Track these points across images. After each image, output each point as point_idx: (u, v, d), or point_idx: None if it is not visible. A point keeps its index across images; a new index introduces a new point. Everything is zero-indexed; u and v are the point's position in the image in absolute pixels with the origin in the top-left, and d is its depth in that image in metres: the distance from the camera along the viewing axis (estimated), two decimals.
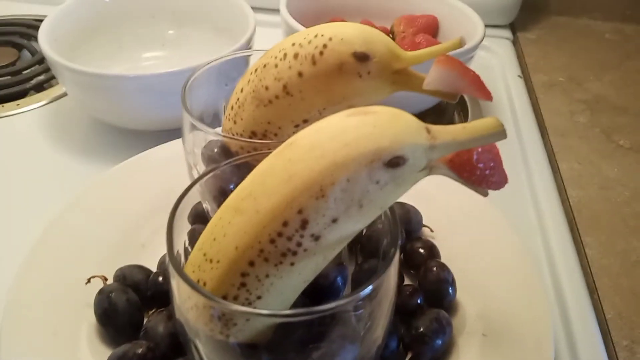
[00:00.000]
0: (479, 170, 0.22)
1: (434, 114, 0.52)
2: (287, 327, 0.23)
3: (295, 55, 0.26)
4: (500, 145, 0.51)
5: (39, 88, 0.54)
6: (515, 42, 0.67)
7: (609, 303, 0.36)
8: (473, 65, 0.57)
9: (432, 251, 0.34)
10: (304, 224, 0.20)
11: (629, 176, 0.47)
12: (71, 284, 0.32)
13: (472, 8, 0.52)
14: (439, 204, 0.38)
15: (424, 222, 0.37)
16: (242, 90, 0.29)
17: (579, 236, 0.41)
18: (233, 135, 0.30)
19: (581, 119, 0.54)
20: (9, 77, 0.55)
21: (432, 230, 0.37)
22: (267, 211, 0.20)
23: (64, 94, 0.53)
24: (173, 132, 0.42)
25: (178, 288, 0.22)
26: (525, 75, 0.60)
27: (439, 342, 0.29)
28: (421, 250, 0.34)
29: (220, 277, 0.21)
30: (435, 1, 0.54)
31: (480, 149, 0.22)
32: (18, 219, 0.40)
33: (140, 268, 0.32)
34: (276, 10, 0.50)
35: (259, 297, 0.22)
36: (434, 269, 0.32)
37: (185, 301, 0.22)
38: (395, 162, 0.20)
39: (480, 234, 0.36)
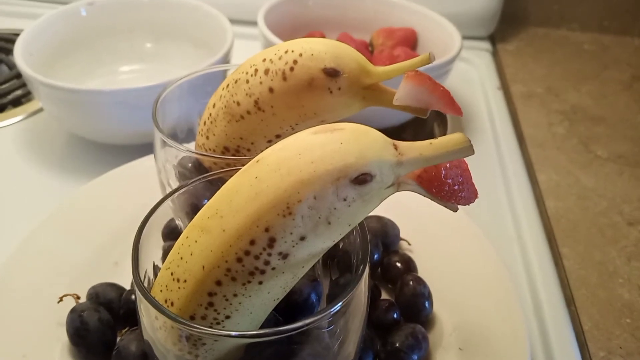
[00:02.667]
0: (447, 186, 0.22)
1: (413, 126, 0.52)
2: (258, 346, 0.22)
3: (266, 71, 0.26)
4: (478, 156, 0.52)
5: (17, 102, 0.54)
6: (494, 54, 0.67)
7: (586, 314, 0.36)
8: (453, 77, 0.57)
9: (409, 265, 0.34)
10: (272, 242, 0.20)
11: (606, 186, 0.47)
12: (43, 303, 0.31)
13: (451, 20, 0.53)
14: (417, 217, 0.38)
15: (402, 235, 0.37)
16: (214, 106, 0.29)
17: (557, 247, 0.41)
18: (206, 150, 0.30)
19: (559, 129, 0.54)
20: None
21: (409, 244, 0.37)
22: (233, 230, 0.20)
23: (42, 109, 0.52)
24: (149, 147, 0.42)
25: (146, 308, 0.21)
26: (504, 87, 0.61)
27: (415, 357, 0.29)
28: (398, 264, 0.34)
29: (188, 297, 0.21)
30: (414, 14, 0.54)
31: (448, 165, 0.22)
32: None
33: (113, 286, 0.32)
34: (254, 23, 0.50)
35: (227, 317, 0.21)
36: (411, 283, 0.32)
37: (153, 321, 0.22)
38: (362, 179, 0.20)
39: (457, 248, 0.36)
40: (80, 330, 0.29)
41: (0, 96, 0.54)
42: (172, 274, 0.22)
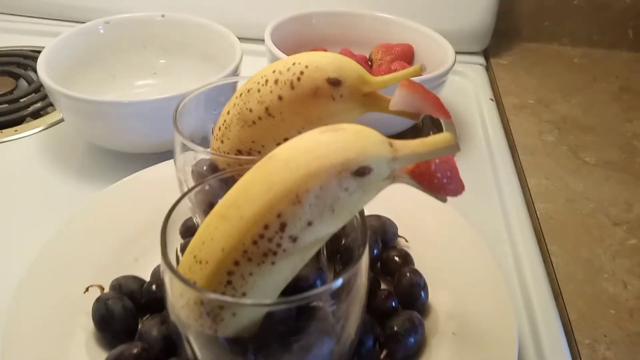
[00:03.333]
0: (437, 179, 0.25)
1: (411, 134, 0.56)
2: (270, 322, 0.25)
3: (276, 81, 0.29)
4: (472, 162, 0.55)
5: (36, 115, 0.57)
6: (487, 68, 0.71)
7: (573, 306, 0.39)
8: (448, 89, 0.61)
9: (407, 259, 0.37)
10: (283, 226, 0.23)
11: (594, 190, 0.50)
12: (69, 295, 0.34)
13: (446, 36, 0.56)
14: (414, 217, 0.41)
15: (400, 233, 0.40)
16: (228, 113, 0.32)
17: (545, 245, 0.44)
18: (221, 159, 0.33)
19: (549, 138, 0.57)
20: (6, 105, 0.58)
21: (407, 241, 0.40)
22: (249, 216, 0.23)
23: (60, 121, 0.55)
24: (164, 155, 0.45)
25: (171, 287, 0.24)
26: (497, 98, 0.64)
27: (412, 340, 0.31)
28: (396, 258, 0.37)
29: (209, 277, 0.24)
30: (411, 31, 0.58)
31: (438, 161, 0.25)
32: (17, 237, 0.42)
33: (135, 278, 0.34)
34: (261, 40, 0.54)
35: (243, 294, 0.24)
36: (408, 274, 0.35)
37: (178, 300, 0.25)
38: (361, 172, 0.23)
39: (451, 244, 0.39)
40: (105, 317, 0.31)
41: (19, 109, 0.57)
42: (194, 257, 0.24)
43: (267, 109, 0.30)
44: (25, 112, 0.57)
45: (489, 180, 0.51)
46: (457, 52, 0.67)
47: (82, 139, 0.52)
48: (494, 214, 0.47)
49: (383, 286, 0.36)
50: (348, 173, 0.23)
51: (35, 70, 0.63)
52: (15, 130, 0.54)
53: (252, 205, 0.23)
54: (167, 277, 0.24)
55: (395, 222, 0.40)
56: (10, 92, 0.60)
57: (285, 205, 0.23)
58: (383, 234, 0.38)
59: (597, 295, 0.40)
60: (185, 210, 0.29)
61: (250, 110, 0.30)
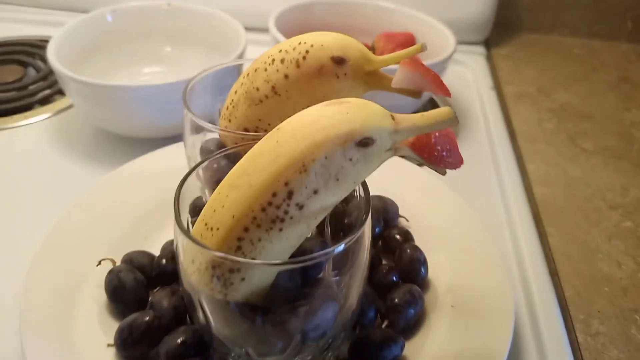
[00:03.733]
0: (436, 152, 0.26)
1: None
2: (278, 289, 0.26)
3: (282, 60, 0.30)
4: (473, 150, 0.57)
5: (44, 102, 0.58)
6: (488, 58, 0.72)
7: (568, 284, 0.40)
8: (449, 78, 0.62)
9: (407, 236, 0.38)
10: (290, 194, 0.24)
11: (592, 176, 0.51)
12: (82, 269, 0.35)
13: (448, 26, 0.57)
14: (415, 198, 0.42)
15: (401, 213, 0.41)
16: (235, 92, 0.33)
17: (543, 227, 0.45)
18: (228, 138, 0.34)
19: (549, 125, 0.58)
20: (15, 92, 0.59)
21: (407, 220, 0.41)
22: (258, 185, 0.24)
23: (68, 107, 0.57)
24: (171, 140, 0.46)
25: (184, 253, 0.26)
26: (497, 87, 0.65)
27: (412, 311, 0.33)
28: (397, 236, 0.38)
29: (219, 243, 0.25)
30: (412, 19, 0.59)
31: (437, 134, 0.26)
32: (28, 218, 0.43)
33: (145, 253, 0.36)
34: (265, 30, 0.55)
35: (252, 259, 0.25)
36: (408, 250, 0.36)
37: (190, 266, 0.26)
38: (364, 142, 0.24)
39: (451, 224, 0.40)
40: (117, 288, 0.33)
41: (28, 96, 0.58)
42: (206, 224, 0.26)
43: (273, 87, 0.31)
44: (33, 99, 0.58)
45: (489, 165, 0.52)
46: (458, 43, 0.68)
47: (90, 124, 0.54)
48: (493, 199, 0.48)
49: (384, 263, 0.37)
50: (352, 143, 0.24)
51: (42, 59, 0.64)
52: (25, 116, 0.55)
53: (261, 174, 0.24)
54: (180, 242, 0.25)
55: (397, 204, 0.41)
56: (19, 79, 0.61)
57: (292, 174, 0.24)
58: (385, 214, 0.39)
59: (592, 274, 0.41)
60: (194, 190, 0.30)
61: (257, 89, 0.32)
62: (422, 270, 0.35)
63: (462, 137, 0.56)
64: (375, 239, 0.38)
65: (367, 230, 0.26)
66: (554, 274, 0.41)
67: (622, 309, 0.39)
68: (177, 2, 0.59)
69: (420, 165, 0.46)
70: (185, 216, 0.30)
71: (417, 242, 0.38)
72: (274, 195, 0.24)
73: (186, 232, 0.24)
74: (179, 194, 0.26)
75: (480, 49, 0.72)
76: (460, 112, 0.60)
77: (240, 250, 0.25)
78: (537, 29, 0.78)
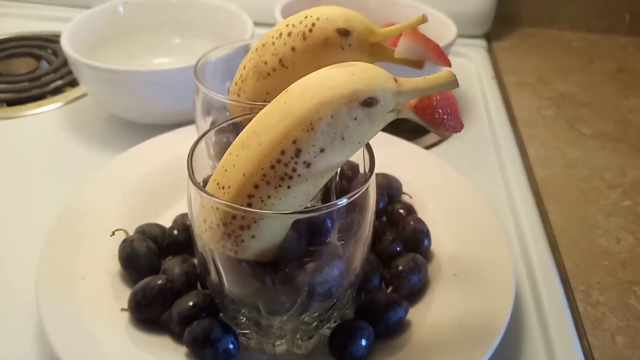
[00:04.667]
0: (437, 114, 0.27)
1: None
2: (286, 249, 0.27)
3: (289, 34, 0.32)
4: (475, 136, 0.58)
5: (56, 92, 0.60)
6: (489, 50, 0.73)
7: (568, 257, 0.41)
8: (453, 70, 0.63)
9: (410, 210, 0.39)
10: (298, 152, 0.25)
11: (590, 157, 0.52)
12: (96, 239, 0.36)
13: (450, 19, 0.58)
14: (418, 176, 0.43)
15: (404, 190, 0.42)
16: (244, 68, 0.35)
17: (543, 205, 0.46)
18: (237, 109, 0.36)
19: (548, 112, 0.60)
20: (27, 83, 0.60)
21: (411, 197, 0.42)
22: (268, 143, 0.25)
23: (79, 97, 0.58)
24: (183, 125, 0.48)
25: (196, 212, 0.27)
26: (499, 77, 0.66)
27: (415, 278, 0.34)
28: (401, 211, 0.39)
29: (231, 200, 0.26)
30: (415, 10, 0.60)
31: (439, 97, 0.27)
32: (43, 198, 0.45)
33: (157, 225, 0.37)
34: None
35: (262, 218, 0.26)
36: (411, 222, 0.37)
37: (202, 225, 0.27)
38: (369, 102, 0.25)
39: (454, 200, 0.41)
40: (131, 256, 0.34)
41: (41, 86, 0.60)
42: (217, 183, 0.27)
43: (280, 60, 0.32)
44: (46, 89, 0.60)
45: (490, 150, 0.53)
46: (460, 36, 0.69)
47: (102, 110, 0.55)
48: (495, 180, 0.49)
49: (388, 234, 0.39)
50: (357, 103, 0.25)
51: (55, 53, 0.66)
52: (38, 105, 0.57)
53: (270, 133, 0.25)
54: (193, 199, 0.26)
55: (401, 181, 0.42)
56: (33, 71, 0.63)
57: (300, 132, 0.25)
58: (388, 189, 0.41)
59: (592, 248, 0.42)
60: (206, 168, 0.32)
61: (265, 63, 0.33)
62: (425, 241, 0.36)
63: (464, 124, 0.57)
64: (379, 213, 0.40)
65: (371, 190, 0.28)
66: (554, 248, 0.42)
67: (622, 280, 0.40)
68: None
69: (427, 130, 0.48)
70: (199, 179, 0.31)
71: (420, 216, 0.39)
72: (283, 153, 0.25)
73: (199, 185, 0.25)
74: (192, 153, 0.27)
75: (482, 42, 0.74)
76: (462, 101, 0.61)
77: (250, 207, 0.26)
78: (536, 23, 0.80)
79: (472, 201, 0.41)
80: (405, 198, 0.42)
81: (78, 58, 0.48)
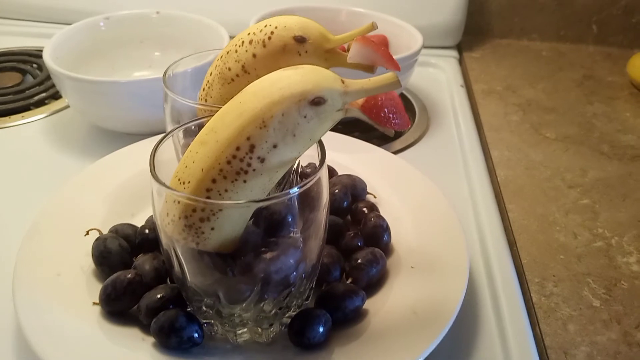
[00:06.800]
0: (383, 113, 0.29)
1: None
2: (247, 239, 0.29)
3: (250, 42, 0.34)
4: (441, 140, 0.60)
5: (40, 104, 0.62)
6: (460, 61, 0.76)
7: (525, 252, 0.43)
8: (422, 79, 0.66)
9: (373, 208, 0.41)
10: (252, 148, 0.27)
11: (552, 159, 0.55)
12: (72, 239, 0.38)
13: (422, 31, 0.61)
14: (383, 177, 0.45)
15: (369, 191, 0.44)
16: (210, 74, 0.37)
17: (504, 204, 0.48)
18: (205, 113, 0.38)
19: (514, 117, 0.62)
20: (12, 95, 0.63)
21: (375, 197, 0.44)
22: (224, 139, 0.27)
23: (62, 108, 0.60)
24: (158, 135, 0.49)
25: (159, 206, 0.29)
26: (468, 85, 0.69)
27: (374, 270, 0.36)
28: (364, 209, 0.41)
29: (190, 194, 0.28)
30: (384, 22, 0.63)
31: (384, 97, 0.30)
32: (23, 207, 0.46)
33: (130, 225, 0.39)
34: None
35: (220, 210, 0.28)
36: (372, 218, 0.39)
37: (165, 218, 0.29)
38: (317, 101, 0.27)
39: (416, 200, 0.43)
40: (103, 253, 0.36)
41: (25, 98, 0.62)
42: (179, 179, 0.29)
43: (243, 66, 0.34)
44: (30, 101, 0.62)
45: (457, 153, 0.56)
46: (432, 47, 0.72)
47: (84, 121, 0.57)
48: (459, 181, 0.51)
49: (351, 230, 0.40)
50: (306, 102, 0.27)
51: (39, 68, 0.68)
52: (23, 116, 0.59)
53: (226, 130, 0.28)
54: (156, 193, 0.28)
55: (366, 182, 0.44)
56: (17, 84, 0.65)
57: (253, 129, 0.27)
58: (353, 189, 0.43)
59: (549, 243, 0.44)
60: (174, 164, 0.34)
61: (229, 69, 0.35)
62: (385, 236, 0.38)
63: (432, 130, 0.60)
64: (344, 211, 0.42)
65: (323, 182, 0.30)
66: (512, 244, 0.44)
67: (576, 272, 0.42)
68: (165, 11, 0.64)
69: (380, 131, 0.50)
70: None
71: (383, 214, 0.41)
72: (238, 149, 0.27)
73: (160, 181, 0.27)
74: (155, 152, 0.29)
75: (453, 52, 0.77)
76: (431, 108, 0.64)
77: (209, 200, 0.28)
78: (507, 34, 0.83)
79: (433, 200, 0.43)
80: (369, 198, 0.44)
81: (59, 70, 0.50)
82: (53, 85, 0.63)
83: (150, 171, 0.28)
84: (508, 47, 0.81)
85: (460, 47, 0.79)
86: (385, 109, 0.30)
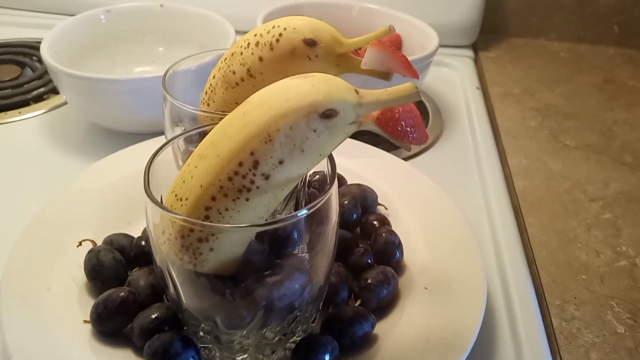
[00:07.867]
0: (400, 127, 0.27)
1: None
2: (247, 262, 0.27)
3: (257, 44, 0.32)
4: (456, 145, 0.58)
5: (38, 99, 0.60)
6: (476, 60, 0.73)
7: (545, 271, 0.41)
8: (437, 79, 0.63)
9: (384, 222, 0.39)
10: (256, 164, 0.25)
11: (572, 169, 0.52)
12: (64, 249, 0.36)
13: (436, 30, 0.58)
14: (395, 188, 0.43)
15: (380, 202, 0.41)
16: (214, 77, 0.34)
17: (522, 217, 0.45)
18: (207, 119, 0.35)
19: (532, 123, 0.59)
20: (10, 89, 0.60)
21: (386, 208, 0.42)
22: (225, 154, 0.25)
23: (61, 104, 0.58)
24: (161, 134, 0.47)
25: (154, 223, 0.26)
26: (484, 87, 0.66)
27: (384, 291, 0.33)
28: (374, 222, 0.39)
29: (188, 212, 0.26)
30: (399, 21, 0.60)
31: (401, 109, 0.27)
32: (19, 205, 0.44)
33: (126, 235, 0.37)
34: None
35: (220, 232, 0.26)
36: (384, 234, 0.37)
37: (160, 237, 0.27)
38: (328, 114, 0.25)
39: (430, 213, 0.41)
40: (96, 267, 0.33)
41: (23, 93, 0.60)
42: (175, 195, 0.26)
43: (248, 70, 0.32)
44: (28, 96, 0.59)
45: (472, 160, 0.53)
46: (446, 46, 0.69)
47: (83, 119, 0.55)
48: (474, 191, 0.49)
49: (360, 246, 0.38)
50: (316, 115, 0.25)
51: (39, 60, 0.66)
52: (19, 112, 0.57)
53: (228, 144, 0.25)
54: (150, 212, 0.26)
55: (377, 192, 0.42)
56: (16, 78, 0.63)
57: (257, 144, 0.25)
58: (363, 200, 0.40)
59: (570, 262, 0.42)
60: (173, 178, 0.31)
61: (234, 73, 0.33)
62: (397, 253, 0.36)
63: (445, 134, 0.57)
64: (353, 224, 0.39)
65: (333, 201, 0.27)
66: (531, 262, 0.42)
67: (599, 295, 0.39)
68: (170, 3, 0.61)
69: (396, 145, 0.47)
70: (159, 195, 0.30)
71: (395, 228, 0.39)
72: (240, 164, 0.25)
73: (155, 200, 0.25)
74: (150, 166, 0.27)
75: (468, 52, 0.74)
76: (445, 111, 0.61)
77: (208, 219, 0.26)
78: (524, 33, 0.79)
79: (448, 213, 0.40)
80: (380, 209, 0.42)
81: (56, 66, 0.47)
82: None
83: (145, 189, 0.26)
84: (525, 46, 0.78)
85: (475, 47, 0.76)
86: (403, 122, 0.27)
